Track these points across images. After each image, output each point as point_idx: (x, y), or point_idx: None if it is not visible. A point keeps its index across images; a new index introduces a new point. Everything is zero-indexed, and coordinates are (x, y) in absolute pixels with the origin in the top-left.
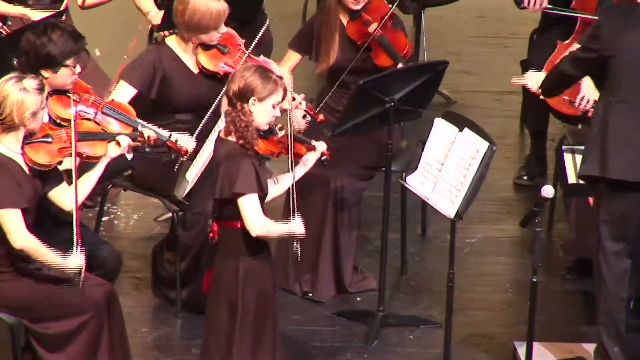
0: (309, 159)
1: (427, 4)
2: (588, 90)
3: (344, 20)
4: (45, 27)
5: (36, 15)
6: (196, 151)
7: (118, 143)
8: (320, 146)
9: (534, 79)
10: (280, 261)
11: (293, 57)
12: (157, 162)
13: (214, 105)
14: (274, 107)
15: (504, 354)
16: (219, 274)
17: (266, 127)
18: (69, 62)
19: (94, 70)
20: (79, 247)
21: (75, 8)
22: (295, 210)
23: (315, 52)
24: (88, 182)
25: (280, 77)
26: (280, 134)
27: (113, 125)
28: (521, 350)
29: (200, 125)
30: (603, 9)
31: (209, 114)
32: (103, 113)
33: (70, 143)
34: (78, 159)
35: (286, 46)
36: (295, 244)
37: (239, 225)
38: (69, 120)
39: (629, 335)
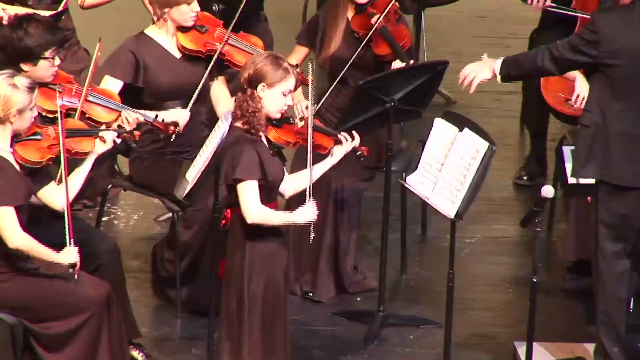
0: (337, 152)
1: (427, 4)
2: (583, 89)
3: (350, 14)
4: (21, 21)
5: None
6: (192, 143)
7: (103, 139)
8: (350, 138)
9: (482, 70)
10: None
11: (300, 51)
12: (157, 162)
13: (200, 87)
14: (284, 95)
15: (504, 354)
16: (229, 261)
17: (278, 116)
18: (47, 54)
19: (94, 70)
20: (71, 241)
21: (75, 8)
22: (310, 197)
23: (319, 44)
24: (77, 179)
25: (293, 66)
26: (301, 124)
27: (99, 113)
28: (521, 350)
29: (192, 101)
30: (597, 11)
31: (195, 96)
32: (87, 101)
33: (59, 140)
34: (66, 155)
35: (286, 46)
36: (311, 230)
37: None
38: (55, 112)
39: (629, 335)
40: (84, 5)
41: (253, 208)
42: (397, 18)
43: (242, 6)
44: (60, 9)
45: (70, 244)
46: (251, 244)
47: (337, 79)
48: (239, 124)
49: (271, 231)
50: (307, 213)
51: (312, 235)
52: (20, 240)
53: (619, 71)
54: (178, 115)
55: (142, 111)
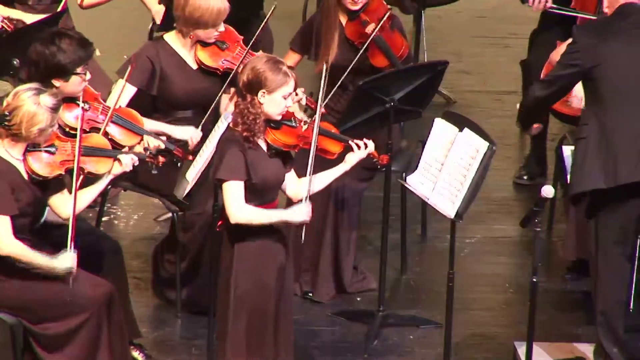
0: (350, 159)
1: (427, 4)
2: (580, 91)
3: (343, 20)
4: (53, 36)
5: (30, 18)
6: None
7: (122, 161)
8: (370, 145)
9: None
10: None
11: (293, 57)
12: None
13: (215, 102)
14: (284, 98)
15: (504, 354)
16: (222, 261)
17: (278, 118)
18: (79, 69)
19: (95, 70)
20: (72, 245)
21: (75, 8)
22: (307, 198)
23: (315, 51)
24: (88, 196)
25: (291, 68)
26: (304, 127)
27: (120, 135)
28: (521, 350)
29: (203, 119)
30: (576, 25)
31: (209, 111)
32: (112, 122)
33: (74, 157)
34: (80, 175)
35: (286, 46)
36: (302, 232)
37: None
38: (74, 128)
39: (629, 335)
40: (83, 5)
41: (235, 209)
42: (391, 25)
43: (261, 27)
44: (59, 9)
45: (69, 248)
46: (239, 244)
47: (334, 83)
48: (238, 128)
49: (263, 234)
50: (301, 212)
51: (303, 237)
52: (10, 248)
53: (600, 73)
54: (190, 134)
55: (163, 138)
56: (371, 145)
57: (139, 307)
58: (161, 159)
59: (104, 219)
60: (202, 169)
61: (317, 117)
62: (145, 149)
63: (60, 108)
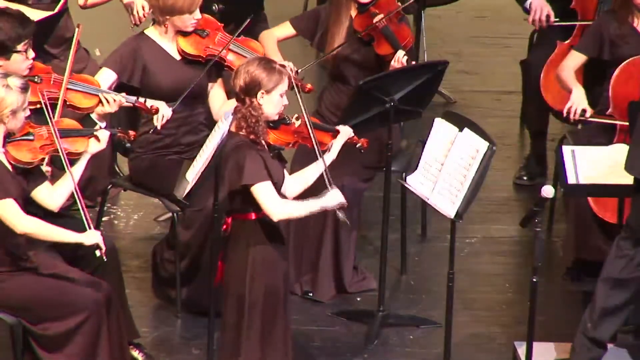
0: (334, 145)
1: (427, 4)
2: (576, 100)
3: (352, 13)
4: None
5: (35, 15)
6: (191, 144)
7: (97, 138)
8: (345, 131)
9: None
10: None
11: (287, 29)
12: (157, 162)
13: (191, 87)
14: (281, 97)
15: (504, 354)
16: (229, 267)
17: (276, 117)
18: (19, 47)
19: (94, 70)
20: (91, 225)
21: (75, 8)
22: (331, 182)
23: (319, 41)
24: (73, 177)
25: (283, 65)
26: (297, 123)
27: (79, 99)
28: (521, 350)
29: (179, 100)
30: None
31: (186, 93)
32: (67, 89)
33: (52, 140)
34: (57, 154)
35: (286, 47)
36: (340, 215)
37: (250, 217)
38: (35, 103)
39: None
40: (84, 5)
41: (275, 206)
42: (399, 18)
43: (248, 20)
44: (55, 10)
45: (90, 228)
46: (254, 250)
47: (335, 77)
48: (242, 132)
49: (272, 237)
50: (335, 197)
51: (342, 216)
52: (26, 224)
53: None
54: (161, 108)
55: (123, 93)
56: (349, 129)
57: (139, 307)
58: (132, 132)
59: (104, 219)
60: (202, 169)
61: (306, 115)
62: (114, 127)
63: (29, 88)
